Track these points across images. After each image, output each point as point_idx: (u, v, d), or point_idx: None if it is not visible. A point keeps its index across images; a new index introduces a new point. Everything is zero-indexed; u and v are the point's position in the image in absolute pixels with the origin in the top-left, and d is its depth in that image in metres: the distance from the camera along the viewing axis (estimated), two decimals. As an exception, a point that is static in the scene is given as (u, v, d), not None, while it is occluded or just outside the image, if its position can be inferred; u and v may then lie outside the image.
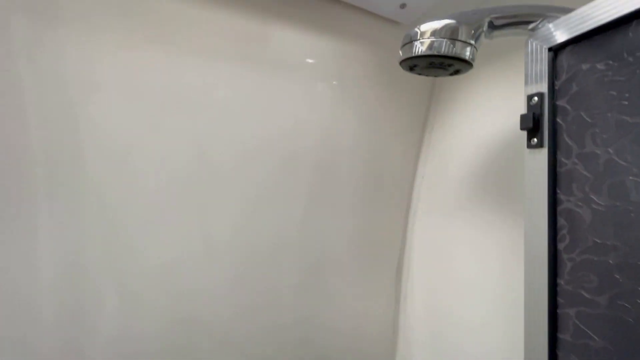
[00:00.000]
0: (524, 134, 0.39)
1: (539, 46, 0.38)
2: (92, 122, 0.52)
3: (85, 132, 0.51)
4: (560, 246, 0.35)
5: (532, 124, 0.35)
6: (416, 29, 0.42)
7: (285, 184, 0.69)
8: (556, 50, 0.37)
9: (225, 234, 0.64)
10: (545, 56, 0.37)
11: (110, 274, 0.54)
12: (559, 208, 0.35)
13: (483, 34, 0.41)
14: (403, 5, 0.70)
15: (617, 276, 0.31)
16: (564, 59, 0.36)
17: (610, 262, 0.31)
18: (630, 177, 0.31)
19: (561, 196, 0.35)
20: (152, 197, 0.57)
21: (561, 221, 0.35)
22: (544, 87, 0.36)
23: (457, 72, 0.44)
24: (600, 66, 0.33)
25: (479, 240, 0.68)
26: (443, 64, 0.42)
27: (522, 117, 0.37)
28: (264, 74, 0.65)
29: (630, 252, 0.31)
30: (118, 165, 0.54)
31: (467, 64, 0.41)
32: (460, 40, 0.40)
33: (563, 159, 0.35)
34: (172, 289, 0.59)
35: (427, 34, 0.41)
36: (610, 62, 0.32)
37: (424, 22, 0.41)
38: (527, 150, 0.36)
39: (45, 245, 0.50)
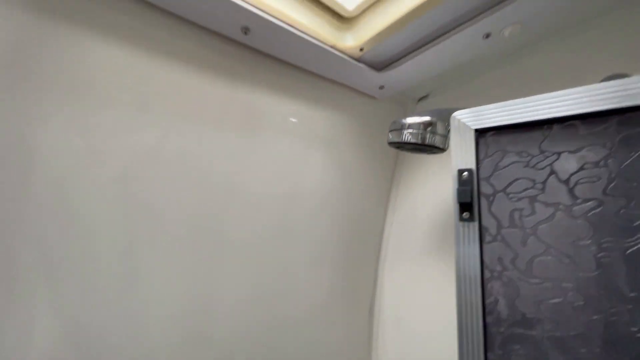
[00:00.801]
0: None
1: (466, 126, 0.41)
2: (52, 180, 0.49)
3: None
4: (490, 319, 0.36)
5: (470, 198, 0.39)
6: (404, 121, 0.52)
7: (265, 232, 0.72)
8: (481, 132, 0.40)
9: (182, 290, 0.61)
10: (472, 136, 0.40)
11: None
12: (487, 281, 0.37)
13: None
14: (382, 87, 0.80)
15: (544, 347, 0.31)
16: (488, 142, 0.40)
17: (536, 334, 0.32)
18: (549, 257, 0.34)
19: (488, 269, 0.37)
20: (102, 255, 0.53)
21: (490, 294, 0.36)
22: (472, 164, 0.40)
23: (433, 153, 0.52)
24: (518, 156, 0.38)
25: (441, 283, 0.78)
26: (424, 149, 0.50)
27: (459, 191, 0.40)
28: (246, 133, 0.69)
29: (554, 326, 0.32)
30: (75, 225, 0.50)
31: (442, 149, 0.49)
32: (438, 134, 0.49)
33: (488, 234, 0.37)
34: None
35: (413, 126, 0.51)
36: (527, 153, 0.37)
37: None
38: (460, 224, 0.39)
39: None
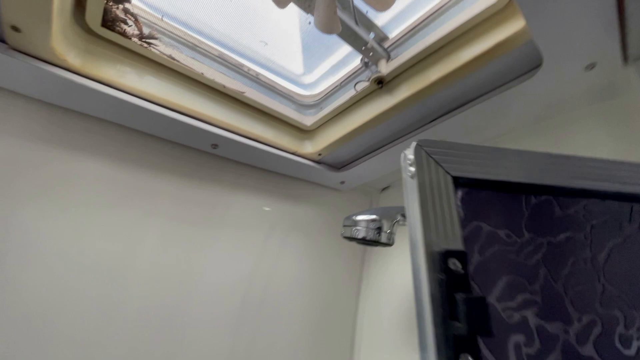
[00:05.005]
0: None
1: (439, 169, 0.23)
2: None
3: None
4: None
5: (490, 329, 0.19)
6: (354, 217, 0.51)
7: (236, 320, 0.65)
8: (460, 185, 0.23)
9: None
10: (450, 187, 0.22)
11: None
12: None
13: (398, 223, 0.50)
14: (342, 182, 0.82)
15: None
16: (469, 203, 0.23)
17: None
18: None
19: None
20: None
21: None
22: (458, 243, 0.21)
23: (381, 246, 0.51)
24: (500, 233, 0.22)
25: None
26: (370, 243, 0.51)
27: (469, 309, 0.18)
28: (220, 232, 0.68)
29: None
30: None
31: (388, 244, 0.51)
32: (383, 231, 0.50)
33: None
34: None
35: (362, 223, 0.51)
36: (511, 233, 0.23)
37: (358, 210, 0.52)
38: None
39: None
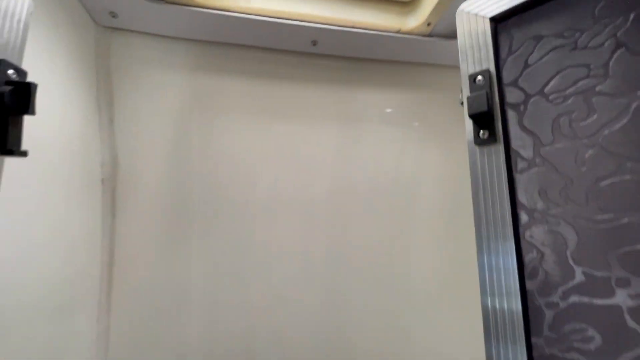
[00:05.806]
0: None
1: (478, 17, 0.28)
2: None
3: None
4: (531, 285, 0.21)
5: (487, 107, 0.24)
6: None
7: (378, 213, 0.72)
8: (498, 21, 0.26)
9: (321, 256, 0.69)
10: (487, 27, 0.26)
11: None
12: (524, 228, 0.22)
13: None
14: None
15: (633, 325, 0.16)
16: (511, 32, 0.26)
17: (620, 304, 0.17)
18: (627, 177, 0.18)
19: (525, 210, 0.22)
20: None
21: (529, 248, 0.22)
22: (489, 64, 0.26)
23: None
24: (559, 38, 0.23)
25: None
26: None
27: (471, 98, 0.26)
28: (361, 127, 0.73)
29: None
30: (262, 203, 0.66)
31: None
32: None
33: (521, 159, 0.23)
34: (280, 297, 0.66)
35: None
36: (573, 29, 0.22)
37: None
38: (476, 149, 0.26)
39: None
